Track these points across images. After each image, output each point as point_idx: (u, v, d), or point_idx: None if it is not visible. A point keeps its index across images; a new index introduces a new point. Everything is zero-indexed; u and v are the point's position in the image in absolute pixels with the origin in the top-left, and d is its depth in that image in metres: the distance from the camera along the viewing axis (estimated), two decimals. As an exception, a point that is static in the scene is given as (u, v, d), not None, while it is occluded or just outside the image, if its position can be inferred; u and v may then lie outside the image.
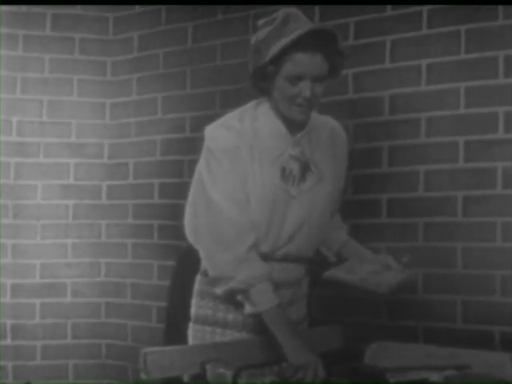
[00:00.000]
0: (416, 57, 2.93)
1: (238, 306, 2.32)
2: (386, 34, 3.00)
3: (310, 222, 2.38)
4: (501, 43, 2.76)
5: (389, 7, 3.00)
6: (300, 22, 2.26)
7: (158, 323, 3.59)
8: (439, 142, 2.88)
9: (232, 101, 3.00)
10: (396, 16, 2.99)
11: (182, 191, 2.56)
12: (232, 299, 2.31)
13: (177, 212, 2.57)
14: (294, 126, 2.36)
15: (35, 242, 3.77)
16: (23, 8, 3.76)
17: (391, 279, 2.34)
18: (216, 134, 2.34)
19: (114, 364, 3.79)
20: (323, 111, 2.49)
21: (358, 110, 3.06)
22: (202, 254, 2.34)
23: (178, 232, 2.58)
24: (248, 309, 2.28)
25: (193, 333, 2.40)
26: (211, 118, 2.41)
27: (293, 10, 2.30)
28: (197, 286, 2.41)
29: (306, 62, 2.24)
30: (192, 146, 3.18)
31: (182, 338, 2.40)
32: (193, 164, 2.43)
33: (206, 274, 2.36)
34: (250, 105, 2.40)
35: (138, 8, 3.77)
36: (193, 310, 2.41)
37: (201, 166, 2.36)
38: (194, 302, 2.41)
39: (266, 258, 2.32)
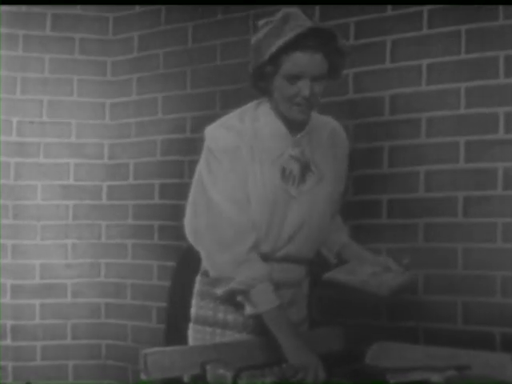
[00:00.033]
0: (416, 57, 2.93)
1: (239, 306, 2.31)
2: (387, 34, 3.00)
3: (310, 223, 2.38)
4: (501, 43, 2.75)
5: (389, 7, 3.00)
6: (299, 21, 2.25)
7: (158, 324, 3.59)
8: (440, 143, 2.88)
9: (232, 101, 2.99)
10: (396, 16, 2.98)
11: (182, 192, 2.56)
12: (232, 300, 2.31)
13: (177, 212, 2.57)
14: (294, 126, 2.35)
15: (35, 242, 3.76)
16: (23, 8, 3.76)
17: (392, 281, 2.33)
18: (216, 134, 2.34)
19: (114, 365, 3.79)
20: (323, 111, 2.48)
21: (358, 111, 3.06)
22: (202, 255, 2.34)
23: (178, 232, 2.57)
24: (248, 310, 2.28)
25: (193, 333, 2.40)
26: (211, 119, 2.41)
27: (293, 9, 2.29)
28: (197, 287, 2.41)
29: (304, 61, 2.23)
30: (192, 147, 3.18)
31: (182, 339, 2.39)
32: (193, 164, 2.43)
33: (206, 274, 2.36)
34: (251, 105, 2.40)
35: (138, 8, 3.77)
36: (193, 311, 2.40)
37: (201, 167, 2.36)
38: (194, 302, 2.41)
39: (266, 258, 2.32)
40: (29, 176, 3.78)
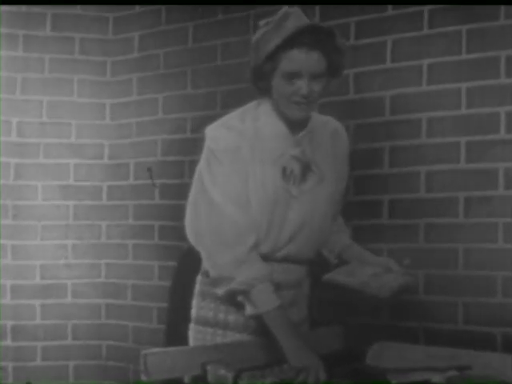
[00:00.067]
0: (417, 57, 2.93)
1: (239, 307, 2.31)
2: (387, 33, 3.00)
3: (310, 223, 2.38)
4: (502, 43, 2.75)
5: (390, 7, 2.99)
6: (298, 19, 2.25)
7: (158, 324, 3.58)
8: (440, 143, 2.88)
9: (233, 101, 2.99)
10: (397, 16, 2.98)
11: (182, 192, 2.55)
12: (233, 300, 2.31)
13: (177, 213, 2.57)
14: (295, 125, 2.35)
15: (35, 242, 3.76)
16: (23, 8, 3.76)
17: (392, 282, 2.33)
18: (217, 134, 2.33)
19: (114, 365, 3.79)
20: (324, 111, 2.48)
21: (358, 111, 3.06)
22: (202, 255, 2.34)
23: (178, 233, 2.57)
24: (249, 310, 2.27)
25: (194, 334, 2.39)
26: (212, 118, 2.41)
27: (293, 8, 2.29)
28: (198, 287, 2.41)
29: (302, 58, 2.23)
30: (193, 147, 3.16)
31: (182, 339, 2.39)
32: (194, 164, 2.43)
33: (206, 274, 2.35)
34: (251, 105, 2.40)
35: (138, 8, 3.76)
36: (194, 311, 2.40)
37: (201, 167, 2.35)
38: (194, 302, 2.41)
39: (266, 258, 2.32)
40: (29, 176, 3.78)
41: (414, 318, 2.89)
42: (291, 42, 2.21)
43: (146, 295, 3.69)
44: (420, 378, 2.26)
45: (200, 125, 2.58)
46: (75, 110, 3.82)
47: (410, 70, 2.95)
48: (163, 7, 3.68)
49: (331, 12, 3.10)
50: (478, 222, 2.79)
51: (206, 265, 2.34)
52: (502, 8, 2.75)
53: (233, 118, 2.37)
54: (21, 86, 3.76)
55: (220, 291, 2.30)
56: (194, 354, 2.22)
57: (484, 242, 2.77)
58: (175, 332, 2.46)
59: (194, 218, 2.36)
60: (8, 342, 3.72)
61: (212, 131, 2.34)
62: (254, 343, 2.33)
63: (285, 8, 2.29)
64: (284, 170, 2.34)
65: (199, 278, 2.40)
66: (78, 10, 3.81)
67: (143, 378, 2.12)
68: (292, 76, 2.25)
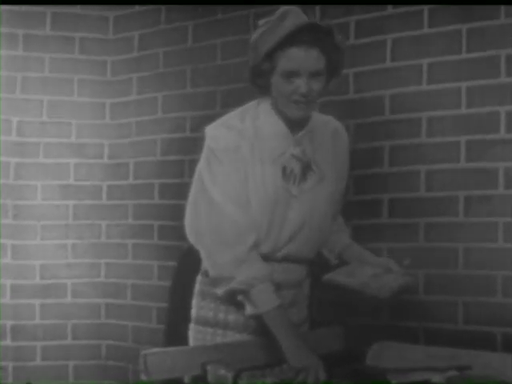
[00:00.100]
0: (417, 56, 2.93)
1: (239, 307, 2.31)
2: (387, 33, 2.99)
3: (310, 223, 2.37)
4: (502, 42, 2.75)
5: (389, 6, 2.99)
6: (297, 18, 2.25)
7: (158, 324, 3.58)
8: (440, 142, 2.87)
9: (233, 100, 2.99)
10: (397, 15, 2.98)
11: (182, 191, 2.55)
12: (233, 300, 2.31)
13: (177, 212, 2.56)
14: (295, 125, 2.35)
15: (35, 242, 3.76)
16: (23, 7, 3.75)
17: (392, 283, 2.32)
18: (217, 133, 2.33)
19: (114, 365, 3.79)
20: (324, 111, 2.49)
21: (358, 110, 3.06)
22: (202, 255, 2.34)
23: (178, 232, 2.57)
24: (249, 310, 2.27)
25: (194, 334, 2.39)
26: (212, 118, 2.41)
27: (292, 7, 2.29)
28: (197, 287, 2.40)
29: (300, 57, 2.23)
30: (193, 146, 3.16)
31: (182, 339, 2.39)
32: (193, 164, 2.43)
33: (206, 274, 2.35)
34: (251, 104, 2.40)
35: (138, 7, 3.76)
36: (193, 311, 2.40)
37: (201, 166, 2.35)
38: (194, 302, 2.40)
39: (266, 258, 2.31)
40: (29, 176, 3.77)
41: (414, 318, 2.89)
42: (290, 41, 2.21)
43: (146, 295, 3.68)
44: (420, 377, 2.26)
45: (200, 124, 2.58)
46: (75, 109, 3.82)
47: (409, 70, 2.95)
48: (163, 7, 3.67)
49: (331, 11, 3.09)
50: (478, 221, 2.78)
51: (205, 264, 2.34)
52: (502, 7, 2.75)
53: (233, 117, 2.37)
54: (21, 85, 3.76)
55: (220, 291, 2.30)
56: (193, 354, 2.22)
57: (484, 241, 2.77)
58: (175, 332, 2.46)
59: (193, 218, 2.35)
60: (8, 342, 3.72)
61: (212, 130, 2.34)
62: (254, 343, 2.33)
63: (283, 7, 2.29)
64: (284, 169, 2.34)
65: (199, 277, 2.40)
66: (78, 9, 3.81)
67: (143, 377, 2.12)
68: (291, 75, 2.25)
